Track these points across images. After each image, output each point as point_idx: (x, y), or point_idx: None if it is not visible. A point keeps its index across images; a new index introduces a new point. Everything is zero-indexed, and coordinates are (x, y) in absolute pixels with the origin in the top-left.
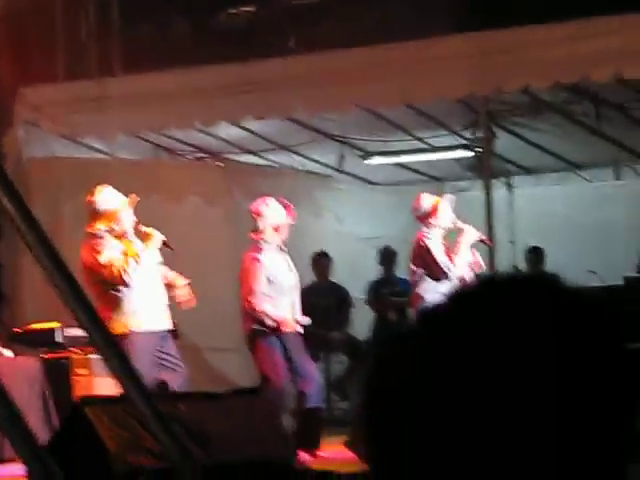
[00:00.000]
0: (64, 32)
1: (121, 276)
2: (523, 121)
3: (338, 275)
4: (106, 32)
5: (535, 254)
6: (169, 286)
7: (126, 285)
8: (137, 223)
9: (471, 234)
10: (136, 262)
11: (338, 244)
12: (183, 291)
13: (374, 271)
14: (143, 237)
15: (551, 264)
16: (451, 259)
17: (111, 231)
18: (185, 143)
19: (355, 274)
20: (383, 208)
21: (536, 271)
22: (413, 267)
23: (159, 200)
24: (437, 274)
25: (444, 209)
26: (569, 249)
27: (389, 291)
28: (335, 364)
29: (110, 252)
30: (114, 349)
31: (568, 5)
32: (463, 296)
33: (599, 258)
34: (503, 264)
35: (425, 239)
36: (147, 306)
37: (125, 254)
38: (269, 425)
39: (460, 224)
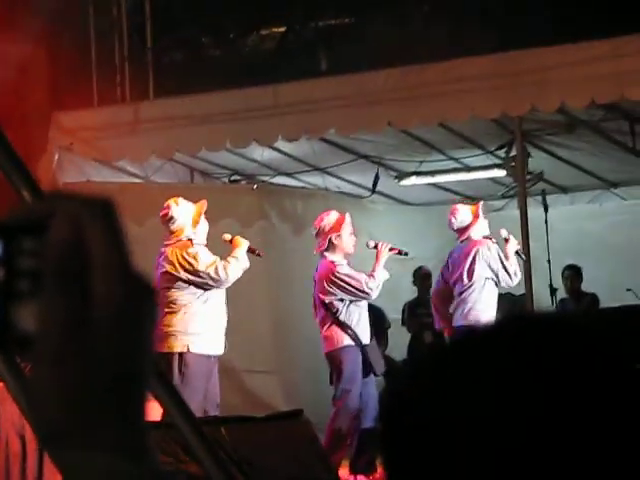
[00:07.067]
0: (98, 57)
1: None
2: (557, 140)
3: None
4: (138, 57)
5: (573, 272)
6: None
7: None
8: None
9: (513, 244)
10: None
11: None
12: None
13: (409, 292)
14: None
15: (587, 282)
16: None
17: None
18: (218, 165)
19: (391, 294)
20: (417, 228)
21: (573, 290)
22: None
23: None
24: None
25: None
26: (604, 267)
27: (424, 311)
28: None
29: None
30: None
31: (602, 23)
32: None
33: (634, 276)
34: (540, 282)
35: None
36: (209, 328)
37: None
38: (310, 449)
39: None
